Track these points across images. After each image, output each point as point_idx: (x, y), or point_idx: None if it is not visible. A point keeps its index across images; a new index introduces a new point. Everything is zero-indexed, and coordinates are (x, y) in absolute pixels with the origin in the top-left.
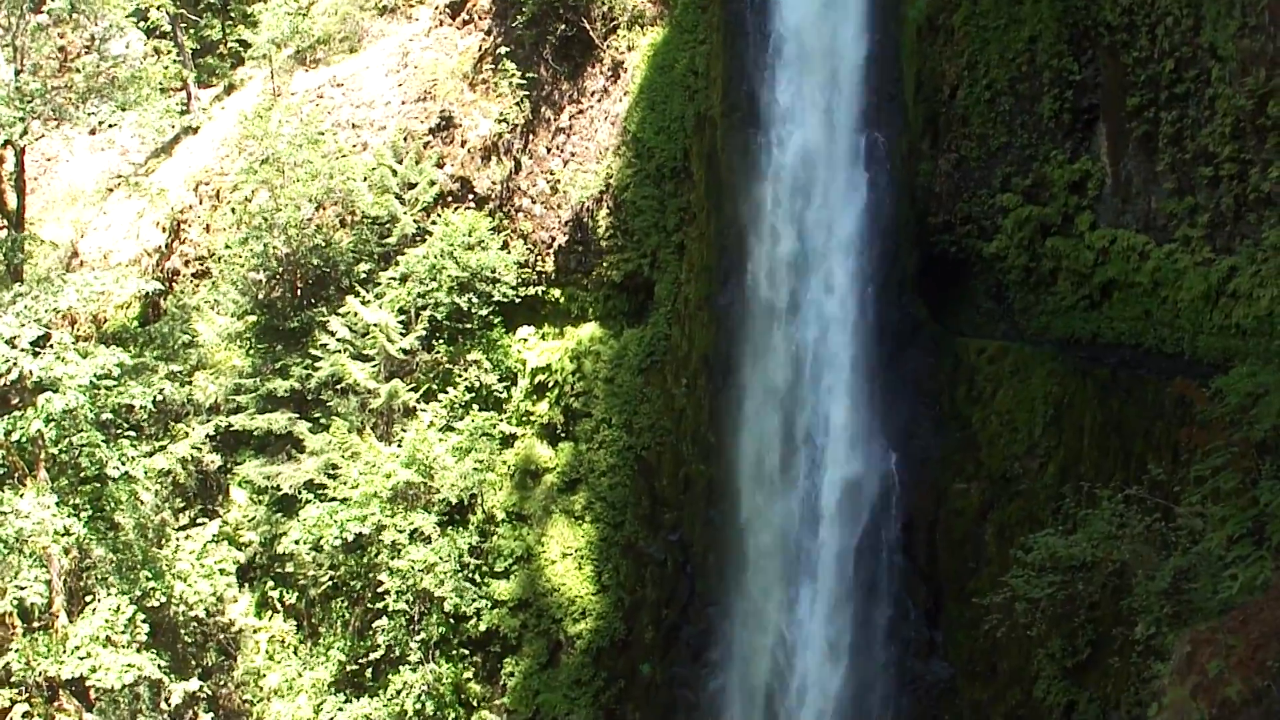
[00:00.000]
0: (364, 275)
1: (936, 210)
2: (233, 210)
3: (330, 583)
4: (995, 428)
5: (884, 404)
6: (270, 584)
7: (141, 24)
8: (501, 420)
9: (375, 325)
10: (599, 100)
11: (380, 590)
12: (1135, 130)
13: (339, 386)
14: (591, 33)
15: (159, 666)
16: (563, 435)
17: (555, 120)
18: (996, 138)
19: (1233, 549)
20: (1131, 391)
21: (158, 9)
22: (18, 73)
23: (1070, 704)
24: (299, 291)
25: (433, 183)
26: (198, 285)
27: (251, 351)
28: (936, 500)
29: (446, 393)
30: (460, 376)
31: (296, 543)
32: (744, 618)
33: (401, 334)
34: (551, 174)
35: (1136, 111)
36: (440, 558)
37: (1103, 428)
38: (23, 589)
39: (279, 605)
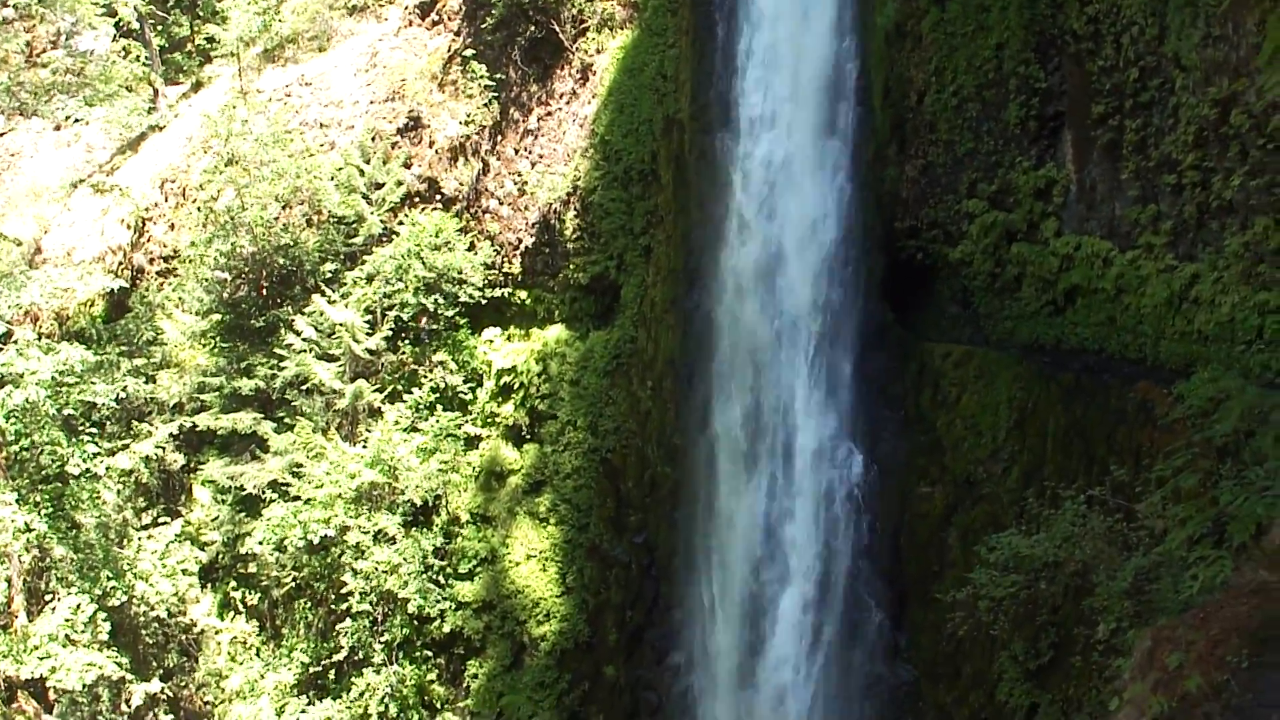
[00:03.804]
0: (330, 275)
1: (903, 215)
2: (198, 208)
3: (293, 584)
4: (960, 432)
5: (849, 408)
6: (233, 585)
7: (110, 20)
8: (466, 421)
9: (341, 325)
10: (567, 102)
11: (344, 591)
12: (1100, 138)
13: (304, 386)
14: (561, 35)
15: (119, 666)
16: (528, 437)
17: (524, 122)
18: (963, 144)
19: (1193, 549)
20: (1095, 396)
21: (126, 5)
22: None
23: (1032, 706)
24: (264, 291)
25: (400, 183)
26: (163, 283)
27: (216, 350)
28: (901, 504)
29: (412, 393)
30: (426, 377)
31: (260, 543)
32: (709, 621)
33: (367, 334)
34: (519, 176)
35: (1101, 119)
36: (404, 559)
37: (1066, 432)
38: None
39: (241, 606)
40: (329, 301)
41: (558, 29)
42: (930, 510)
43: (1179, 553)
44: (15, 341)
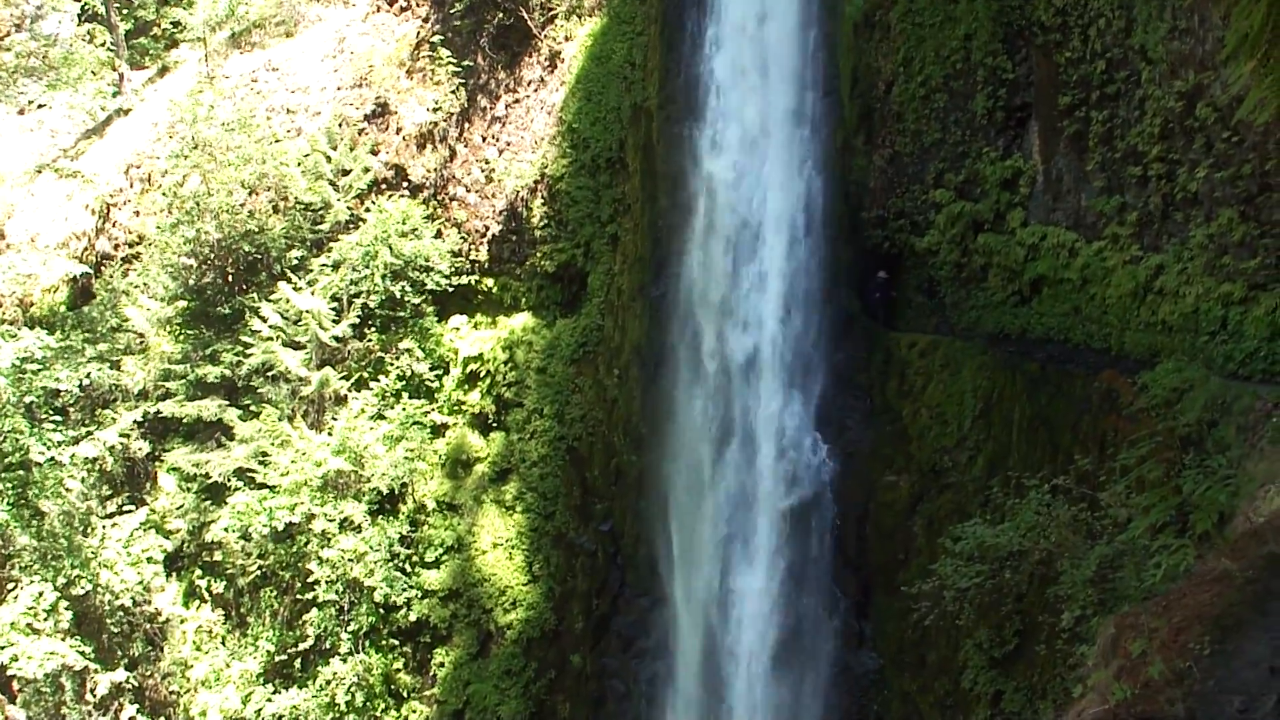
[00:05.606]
0: (296, 262)
1: (870, 205)
2: (164, 194)
3: (259, 572)
4: (925, 421)
5: (815, 397)
6: (198, 573)
7: (74, 3)
8: (433, 409)
9: (307, 312)
10: (535, 90)
11: (310, 580)
12: (1066, 129)
13: (270, 374)
14: (529, 22)
15: (84, 655)
16: (494, 425)
17: (491, 109)
18: (930, 134)
19: (1157, 537)
20: (1060, 385)
21: None
22: None
23: (997, 693)
24: (230, 277)
25: (367, 169)
26: (127, 269)
27: (181, 337)
28: (866, 492)
29: (378, 381)
30: (392, 365)
31: (225, 530)
32: (675, 609)
33: (334, 321)
34: (487, 163)
35: (1068, 111)
36: (370, 547)
37: (1031, 421)
38: None
39: (207, 595)
40: (295, 288)
41: (526, 16)
42: (896, 499)
43: (1143, 541)
44: None
